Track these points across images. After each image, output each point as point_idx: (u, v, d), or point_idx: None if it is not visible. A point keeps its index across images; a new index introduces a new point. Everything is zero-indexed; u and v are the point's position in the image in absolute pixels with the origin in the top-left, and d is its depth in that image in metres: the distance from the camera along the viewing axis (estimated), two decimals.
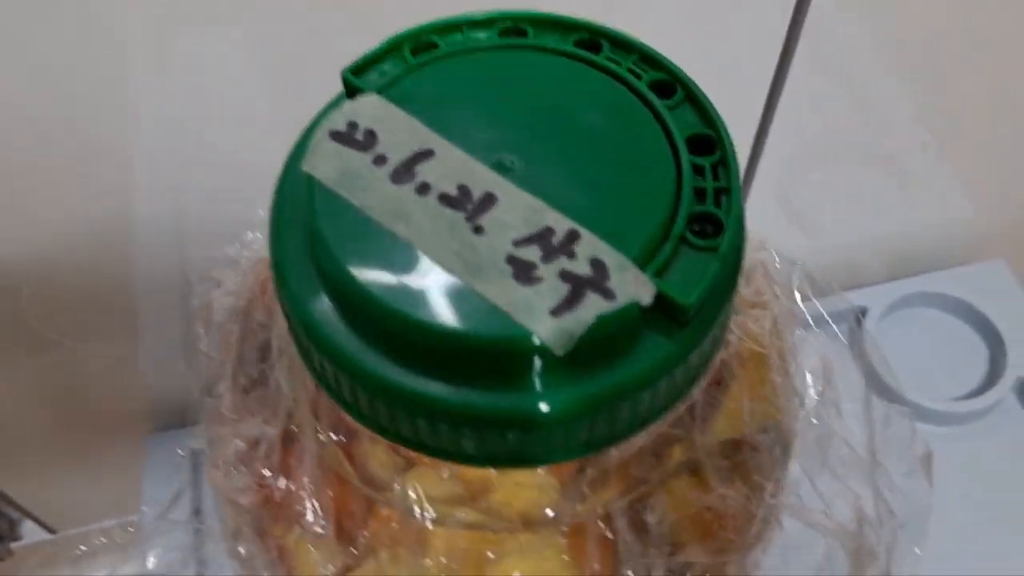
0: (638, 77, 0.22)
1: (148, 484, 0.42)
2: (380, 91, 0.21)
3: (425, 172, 0.20)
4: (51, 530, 0.57)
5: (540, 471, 0.21)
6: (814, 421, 0.25)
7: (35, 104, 0.35)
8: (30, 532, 0.58)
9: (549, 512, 0.21)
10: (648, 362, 0.19)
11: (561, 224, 0.19)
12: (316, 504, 0.22)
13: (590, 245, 0.19)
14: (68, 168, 0.38)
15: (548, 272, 0.19)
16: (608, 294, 0.18)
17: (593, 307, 0.18)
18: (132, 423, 0.51)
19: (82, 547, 0.30)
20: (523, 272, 0.19)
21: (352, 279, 0.19)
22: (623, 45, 0.22)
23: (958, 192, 0.59)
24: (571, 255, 0.19)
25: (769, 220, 0.55)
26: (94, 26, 0.33)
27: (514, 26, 0.23)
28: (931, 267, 0.57)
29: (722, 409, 0.23)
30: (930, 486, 0.29)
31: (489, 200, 0.20)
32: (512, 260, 0.19)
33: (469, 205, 0.20)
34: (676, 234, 0.19)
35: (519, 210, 0.19)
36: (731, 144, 0.21)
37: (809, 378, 0.25)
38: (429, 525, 0.21)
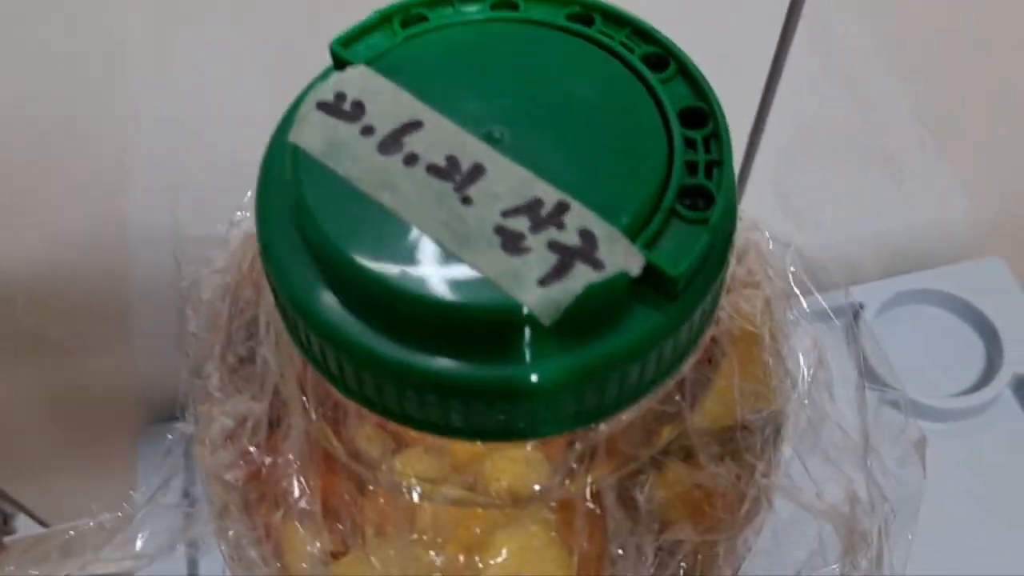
0: (631, 51, 0.22)
1: (142, 475, 0.42)
2: (369, 63, 0.21)
3: (413, 143, 0.20)
4: (44, 524, 0.57)
5: (529, 447, 0.21)
6: (806, 403, 0.24)
7: (32, 103, 0.35)
8: (23, 526, 0.58)
9: (538, 489, 0.21)
10: (637, 334, 0.19)
11: (550, 195, 0.19)
12: (303, 480, 0.22)
13: (579, 216, 0.19)
14: (64, 167, 0.38)
15: (536, 242, 0.18)
16: (597, 264, 0.18)
17: (581, 277, 0.18)
18: (126, 417, 0.51)
19: (71, 531, 0.30)
20: (511, 242, 0.18)
21: (338, 250, 0.19)
22: (616, 19, 0.22)
23: (955, 189, 0.58)
24: (560, 226, 0.19)
25: (765, 216, 0.55)
26: (92, 26, 0.33)
27: None
28: (928, 264, 0.57)
29: (713, 387, 0.22)
30: (923, 472, 0.29)
31: (478, 171, 0.19)
32: (500, 230, 0.19)
33: (457, 176, 0.19)
34: (666, 206, 0.19)
35: (508, 181, 0.19)
36: (723, 117, 0.21)
37: (802, 360, 0.25)
38: (417, 500, 0.21)
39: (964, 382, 0.54)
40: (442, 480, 0.21)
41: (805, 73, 0.48)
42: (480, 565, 0.22)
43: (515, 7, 0.22)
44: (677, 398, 0.21)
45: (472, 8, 0.22)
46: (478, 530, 0.22)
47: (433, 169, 0.19)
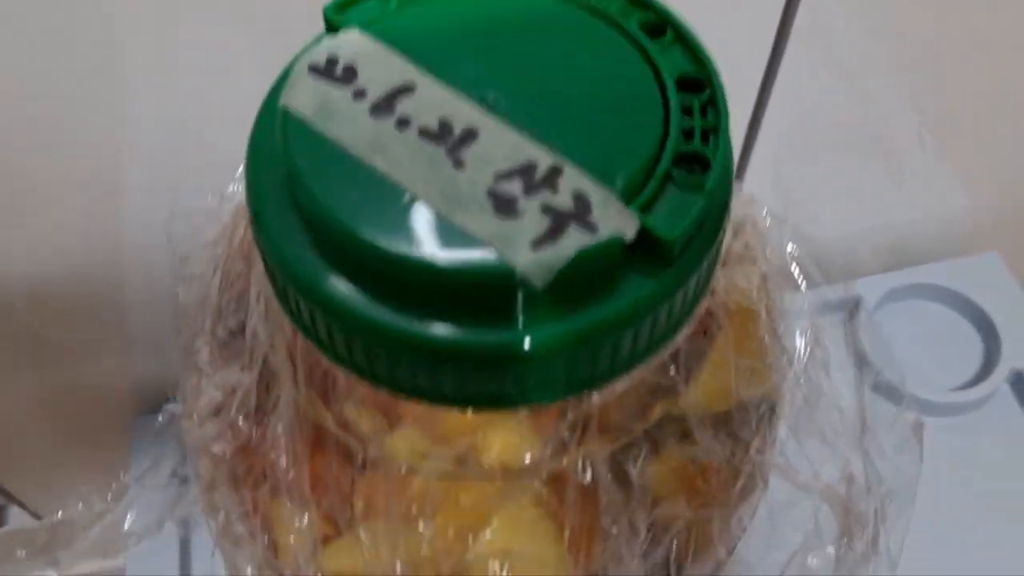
0: (628, 18, 0.21)
1: (135, 464, 0.41)
2: (362, 28, 0.21)
3: (405, 107, 0.20)
4: (37, 516, 0.57)
5: (521, 418, 0.21)
6: (802, 381, 0.24)
7: (32, 104, 0.35)
8: (16, 518, 0.58)
9: (529, 461, 0.21)
10: (631, 300, 0.18)
11: (544, 159, 0.19)
12: (291, 452, 0.21)
13: (573, 180, 0.19)
14: (63, 167, 0.38)
15: (529, 206, 0.18)
16: (590, 228, 0.18)
17: (574, 240, 0.18)
18: (121, 410, 0.51)
19: (59, 512, 0.30)
20: (504, 206, 0.18)
21: (327, 213, 0.18)
22: None
23: (954, 184, 0.58)
24: (553, 189, 0.18)
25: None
26: (92, 26, 0.33)
27: None
28: (926, 259, 0.57)
29: (708, 361, 0.22)
30: (920, 456, 0.28)
31: (471, 135, 0.19)
32: (493, 194, 0.18)
33: (450, 139, 0.19)
34: (662, 172, 0.19)
35: (501, 145, 0.19)
36: (720, 84, 0.20)
37: (798, 338, 0.25)
38: (406, 472, 0.21)
39: (962, 377, 0.54)
40: (433, 452, 0.21)
41: (803, 66, 0.48)
42: (470, 539, 0.21)
43: None
44: (672, 371, 0.21)
45: None
46: (468, 504, 0.21)
47: (425, 133, 0.19)
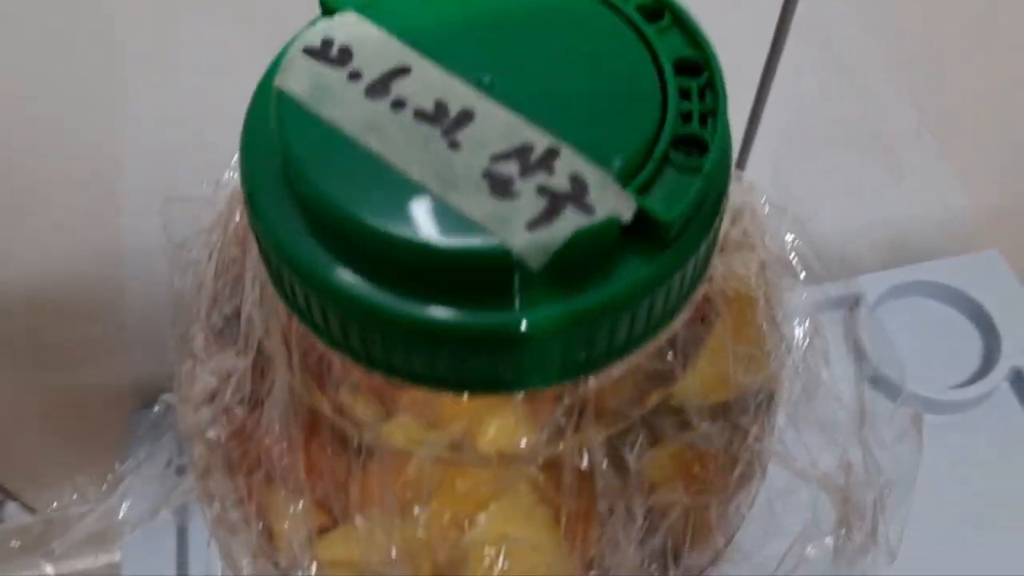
0: (625, 0, 0.21)
1: (131, 455, 0.41)
2: (358, 11, 0.21)
3: (401, 89, 0.19)
4: (33, 511, 0.57)
5: (517, 403, 0.21)
6: (800, 369, 0.24)
7: (32, 104, 0.35)
8: (15, 517, 0.57)
9: (526, 446, 0.21)
10: (628, 282, 0.18)
11: (540, 141, 0.19)
12: (286, 437, 0.21)
13: (570, 162, 0.18)
14: (63, 165, 0.38)
15: (525, 187, 0.18)
16: (587, 209, 0.18)
17: (571, 221, 0.18)
18: (118, 407, 0.51)
19: (55, 503, 0.30)
20: (500, 187, 0.18)
21: (321, 194, 0.18)
22: None
23: (954, 182, 0.58)
24: (550, 171, 0.18)
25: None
26: (91, 25, 0.33)
27: None
28: (926, 256, 0.57)
29: (706, 348, 0.22)
30: (920, 447, 0.28)
31: (466, 116, 0.19)
32: (489, 175, 0.18)
33: (445, 121, 0.19)
34: (659, 154, 0.19)
35: (497, 126, 0.19)
36: (719, 68, 0.20)
37: (797, 327, 0.25)
38: (402, 457, 0.20)
39: (961, 374, 0.54)
40: (428, 438, 0.21)
41: (803, 62, 0.48)
42: (466, 525, 0.21)
43: None
44: (669, 356, 0.21)
45: None
46: (464, 490, 0.21)
47: (421, 114, 0.19)
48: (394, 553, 0.21)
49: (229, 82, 0.35)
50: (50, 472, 0.52)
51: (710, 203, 0.19)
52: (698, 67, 0.20)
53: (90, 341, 0.49)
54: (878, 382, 0.43)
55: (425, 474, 0.21)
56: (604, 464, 0.20)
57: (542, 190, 0.18)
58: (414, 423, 0.21)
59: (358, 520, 0.21)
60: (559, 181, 0.18)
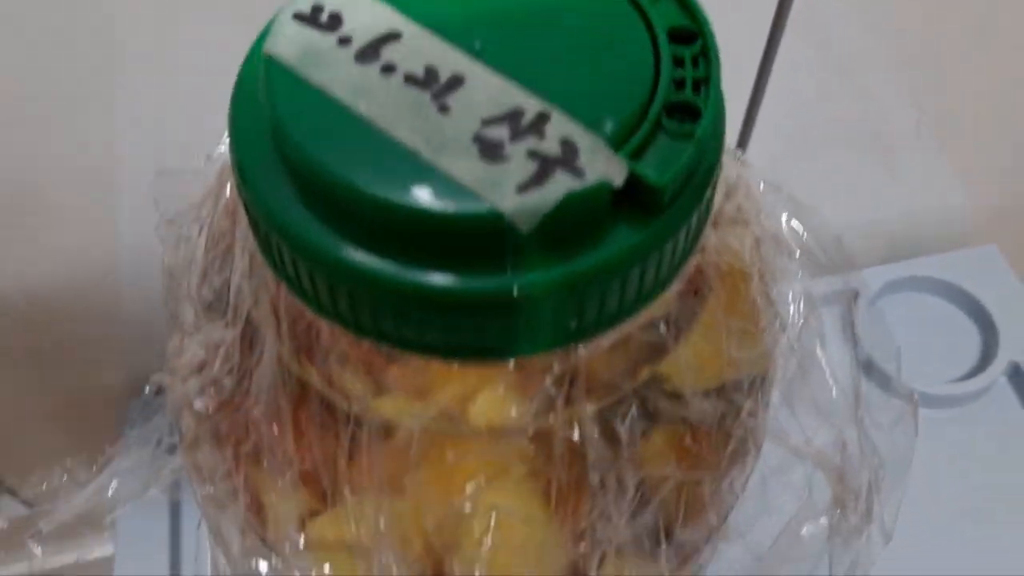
0: None
1: (123, 436, 0.41)
2: None
3: (391, 54, 0.19)
4: (29, 505, 0.56)
5: (509, 374, 0.21)
6: (795, 347, 0.24)
7: (32, 103, 0.35)
8: (7, 507, 0.57)
9: (516, 417, 0.20)
10: (619, 248, 0.18)
11: (531, 105, 0.18)
12: (274, 407, 0.21)
13: (561, 126, 0.18)
14: (61, 163, 0.38)
15: (516, 151, 0.18)
16: (578, 173, 0.18)
17: (561, 185, 0.17)
18: (118, 405, 0.51)
19: (44, 486, 0.29)
20: (489, 151, 0.18)
21: (308, 156, 0.18)
22: None
23: (952, 178, 0.58)
24: (540, 135, 0.18)
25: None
26: (91, 25, 0.33)
27: None
28: (923, 251, 0.57)
29: (698, 321, 0.22)
30: (916, 429, 0.28)
31: (456, 81, 0.19)
32: (478, 139, 0.18)
33: (435, 86, 0.19)
34: (651, 120, 0.19)
35: (488, 91, 0.19)
36: (712, 36, 0.20)
37: (791, 305, 0.25)
38: (391, 427, 0.20)
39: (959, 370, 0.53)
40: (418, 408, 0.21)
41: (799, 60, 0.48)
42: (455, 497, 0.21)
43: None
44: (661, 328, 0.21)
45: None
46: (454, 461, 0.21)
47: (411, 79, 0.19)
48: (383, 524, 0.20)
49: (230, 83, 0.35)
50: (43, 462, 0.52)
51: (703, 171, 0.19)
52: (692, 35, 0.20)
53: (88, 337, 0.49)
54: (874, 373, 0.43)
55: (414, 446, 0.21)
56: (595, 437, 0.20)
57: (532, 154, 0.18)
58: (403, 393, 0.21)
59: (346, 492, 0.21)
60: (550, 145, 0.18)
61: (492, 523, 0.21)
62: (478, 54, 0.19)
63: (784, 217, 0.25)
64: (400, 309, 0.18)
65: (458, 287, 0.18)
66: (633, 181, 0.18)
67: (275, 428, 0.21)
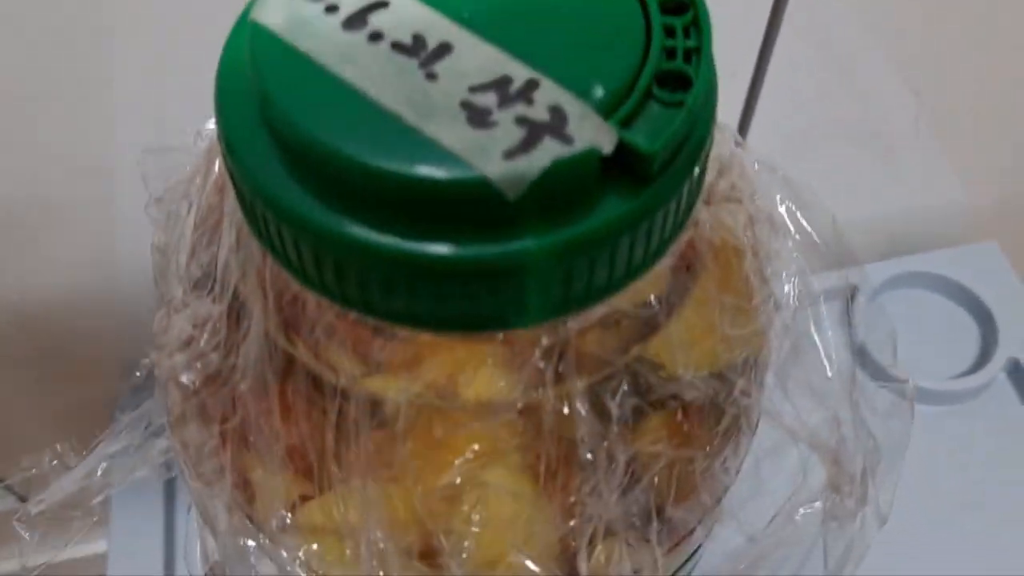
0: None
1: (114, 422, 0.41)
2: None
3: (378, 21, 0.19)
4: (22, 498, 0.56)
5: (498, 349, 0.20)
6: (790, 327, 0.23)
7: (32, 104, 0.35)
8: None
9: (505, 389, 0.20)
10: (609, 217, 0.18)
11: (520, 73, 0.18)
12: (260, 382, 0.21)
13: (550, 93, 0.18)
14: (60, 160, 0.38)
15: (503, 117, 0.18)
16: (566, 139, 0.17)
17: (549, 151, 0.17)
18: (114, 396, 0.51)
19: (33, 470, 0.29)
20: (477, 117, 0.18)
21: (293, 122, 0.18)
22: None
23: (950, 174, 0.58)
24: (529, 102, 0.18)
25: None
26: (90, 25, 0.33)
27: None
28: (923, 248, 0.56)
29: (691, 297, 0.21)
30: (911, 414, 0.28)
31: (445, 49, 0.19)
32: (466, 105, 0.18)
33: (423, 53, 0.19)
34: (642, 89, 0.18)
35: (476, 59, 0.18)
36: (704, 7, 0.20)
37: (786, 285, 0.24)
38: (378, 399, 0.20)
39: (959, 366, 0.53)
40: (404, 382, 0.20)
41: (796, 57, 0.47)
42: (443, 472, 0.21)
43: None
44: (653, 303, 0.21)
45: None
46: (441, 436, 0.21)
47: (398, 46, 0.19)
48: (370, 499, 0.20)
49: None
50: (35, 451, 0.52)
51: (694, 141, 0.19)
52: (683, 6, 0.20)
53: (82, 327, 0.48)
54: (869, 362, 0.43)
55: (401, 420, 0.20)
56: (585, 412, 0.20)
57: (521, 120, 0.18)
58: (390, 368, 0.20)
59: (333, 467, 0.20)
60: (538, 112, 0.18)
61: (480, 498, 0.21)
62: (467, 22, 0.19)
63: (779, 198, 0.25)
64: (386, 278, 0.18)
65: (444, 255, 0.17)
66: (623, 149, 0.18)
67: (262, 402, 0.21)
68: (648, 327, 0.21)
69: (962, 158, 0.57)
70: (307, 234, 0.18)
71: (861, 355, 0.42)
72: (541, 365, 0.19)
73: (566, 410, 0.20)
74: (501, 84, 0.18)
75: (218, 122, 0.19)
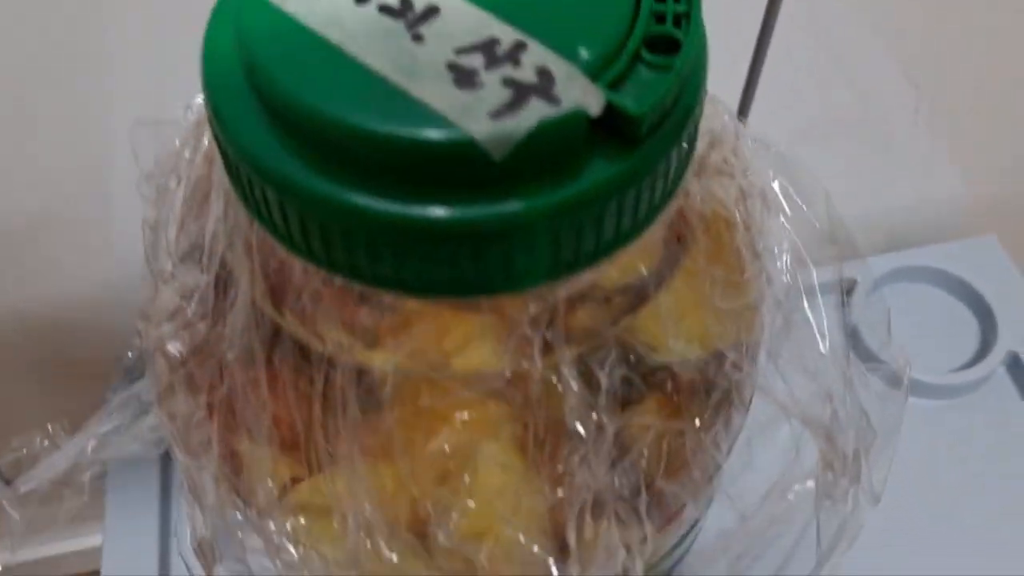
0: None
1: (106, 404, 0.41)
2: None
3: None
4: (7, 481, 0.56)
5: (486, 319, 0.20)
6: (783, 302, 0.23)
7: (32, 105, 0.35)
8: None
9: (493, 362, 0.20)
10: (596, 179, 0.18)
11: (507, 35, 0.18)
12: (247, 351, 0.21)
13: (537, 55, 0.18)
14: (58, 159, 0.38)
15: (490, 79, 0.18)
16: (553, 100, 0.17)
17: (536, 111, 0.17)
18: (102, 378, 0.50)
19: (24, 450, 0.29)
20: (463, 78, 0.18)
21: (277, 82, 0.18)
22: None
23: (950, 167, 0.58)
24: (516, 64, 0.18)
25: None
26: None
27: None
28: (922, 241, 0.56)
29: (681, 268, 0.21)
30: (906, 396, 0.28)
31: (432, 11, 0.19)
32: (453, 67, 0.18)
33: (410, 15, 0.18)
34: (630, 52, 0.18)
35: (464, 21, 0.18)
36: None
37: (779, 260, 0.24)
38: (365, 368, 0.20)
39: (958, 359, 0.53)
40: (390, 349, 0.20)
41: (794, 49, 0.47)
42: (430, 442, 0.21)
43: None
44: (643, 273, 0.20)
45: None
46: (428, 404, 0.20)
47: (385, 9, 0.19)
48: (358, 470, 0.20)
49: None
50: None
51: (682, 106, 0.19)
52: None
53: (78, 322, 0.48)
54: (862, 347, 0.42)
55: (387, 389, 0.20)
56: (574, 382, 0.20)
57: (507, 82, 0.17)
58: (376, 336, 0.20)
59: (319, 437, 0.20)
60: (525, 73, 0.18)
61: (469, 470, 0.21)
62: None
63: (771, 173, 0.25)
64: (372, 241, 0.18)
65: (431, 217, 0.17)
66: (611, 111, 0.18)
67: (248, 372, 0.20)
68: (638, 298, 0.21)
69: (962, 152, 0.57)
70: (292, 197, 0.18)
71: (854, 338, 0.41)
72: (529, 333, 0.19)
73: (555, 381, 0.20)
74: (488, 46, 0.18)
75: (204, 86, 0.19)
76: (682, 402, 0.22)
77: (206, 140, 0.23)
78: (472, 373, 0.20)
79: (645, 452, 0.21)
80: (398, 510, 0.21)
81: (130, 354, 0.29)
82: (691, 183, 0.21)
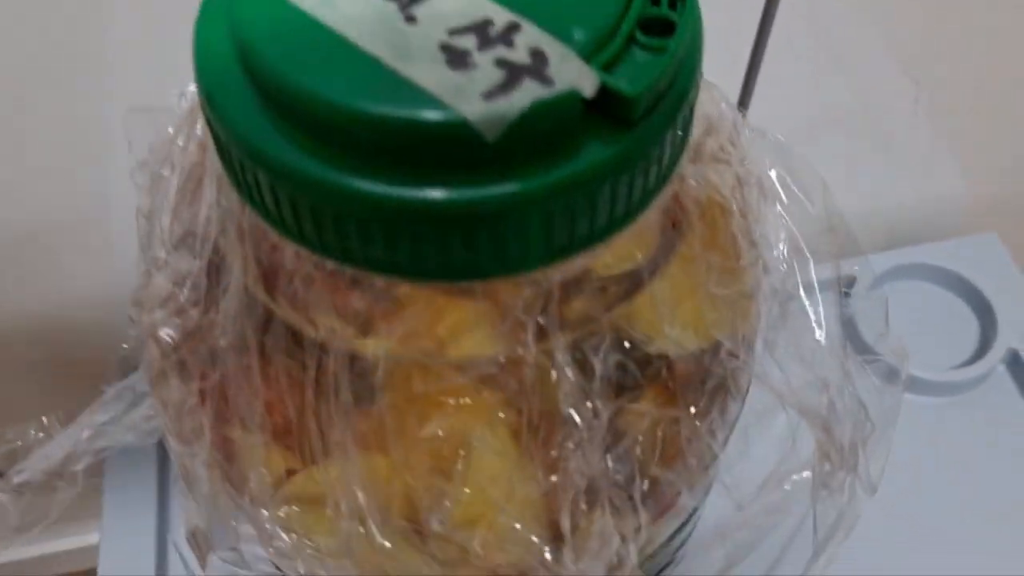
0: None
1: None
2: None
3: None
4: (1, 472, 0.56)
5: (480, 305, 0.20)
6: (779, 290, 0.23)
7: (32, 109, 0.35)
8: None
9: (486, 347, 0.20)
10: (590, 161, 0.18)
11: (501, 16, 0.18)
12: (240, 337, 0.21)
13: (530, 36, 0.18)
14: (57, 156, 0.38)
15: (483, 59, 0.17)
16: (547, 81, 0.17)
17: (529, 92, 0.17)
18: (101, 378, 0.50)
19: (19, 442, 0.29)
20: (456, 59, 0.17)
21: (269, 64, 0.18)
22: None
23: (950, 165, 0.58)
24: (509, 45, 0.18)
25: None
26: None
27: None
28: (922, 239, 0.56)
29: (676, 254, 0.21)
30: (902, 387, 0.27)
31: None
32: (445, 48, 0.18)
33: None
34: (625, 33, 0.18)
35: (456, 2, 0.18)
36: None
37: (776, 249, 0.24)
38: (357, 352, 0.20)
39: (958, 357, 0.53)
40: (383, 334, 0.20)
41: (793, 45, 0.47)
42: (423, 428, 0.21)
43: None
44: (638, 259, 0.20)
45: None
46: (421, 390, 0.20)
47: None
48: (350, 455, 0.20)
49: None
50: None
51: (677, 89, 0.19)
52: None
53: (78, 322, 0.48)
54: (859, 340, 0.42)
55: (379, 374, 0.20)
56: (568, 368, 0.20)
57: (501, 63, 0.17)
58: (368, 321, 0.20)
59: (312, 423, 0.20)
60: (519, 54, 0.17)
61: (463, 456, 0.21)
62: None
63: (768, 162, 0.25)
64: (364, 223, 0.18)
65: (423, 199, 0.17)
66: (605, 93, 0.17)
67: (241, 358, 0.20)
68: (633, 285, 0.21)
69: (962, 149, 0.57)
70: (283, 179, 0.18)
71: (851, 330, 0.41)
72: (523, 318, 0.19)
73: (550, 367, 0.20)
74: (481, 27, 0.18)
75: (196, 70, 0.19)
76: (677, 390, 0.22)
77: (200, 127, 0.23)
78: (466, 359, 0.20)
79: (640, 440, 0.21)
80: (391, 497, 0.21)
81: (124, 346, 0.29)
82: (686, 169, 0.21)
